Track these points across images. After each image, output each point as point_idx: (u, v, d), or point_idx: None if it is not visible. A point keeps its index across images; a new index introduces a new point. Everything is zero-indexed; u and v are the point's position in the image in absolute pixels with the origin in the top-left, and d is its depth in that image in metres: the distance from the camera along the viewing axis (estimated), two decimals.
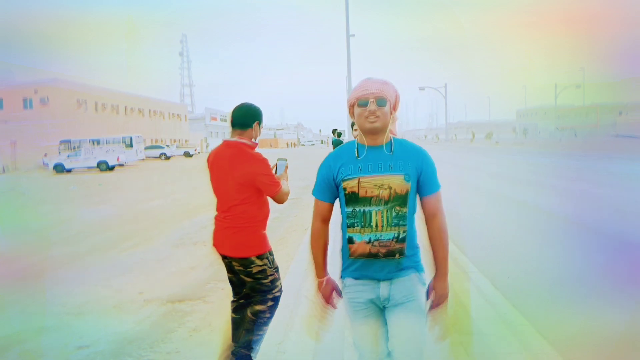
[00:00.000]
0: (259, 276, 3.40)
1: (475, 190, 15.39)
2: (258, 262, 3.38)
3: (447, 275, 2.46)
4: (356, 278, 2.44)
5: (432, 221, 2.43)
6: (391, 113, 2.40)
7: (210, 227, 3.66)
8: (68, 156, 39.08)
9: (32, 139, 48.72)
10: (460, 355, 3.84)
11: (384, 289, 2.40)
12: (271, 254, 3.51)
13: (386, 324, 2.46)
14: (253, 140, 3.49)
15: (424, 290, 2.45)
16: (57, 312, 5.42)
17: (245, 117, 3.44)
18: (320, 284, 2.56)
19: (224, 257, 3.49)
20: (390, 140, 2.41)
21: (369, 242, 2.32)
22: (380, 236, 2.32)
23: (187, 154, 60.27)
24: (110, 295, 5.94)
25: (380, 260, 2.35)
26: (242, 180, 3.31)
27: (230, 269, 3.53)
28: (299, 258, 6.76)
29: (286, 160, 3.70)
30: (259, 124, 3.51)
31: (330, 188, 2.46)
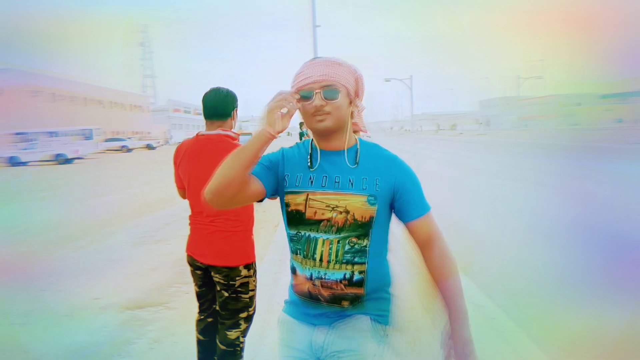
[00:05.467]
0: (240, 290, 2.92)
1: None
2: (244, 272, 2.91)
3: (466, 319, 1.67)
4: (293, 316, 1.86)
5: (427, 249, 1.75)
6: (351, 103, 1.78)
7: (174, 224, 3.17)
8: (24, 149, 37.70)
9: None
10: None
11: (318, 335, 1.80)
12: (255, 265, 3.05)
13: None
14: (233, 130, 3.02)
15: (372, 344, 1.76)
16: None
17: (225, 106, 2.95)
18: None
19: (199, 268, 3.00)
20: (355, 144, 1.81)
21: (310, 279, 1.75)
22: (324, 274, 1.73)
23: (149, 147, 58.97)
24: (61, 302, 5.40)
25: (320, 305, 1.78)
26: None
27: (204, 281, 3.04)
28: (270, 259, 6.30)
29: (251, 134, 3.15)
30: (237, 110, 3.04)
31: (273, 178, 1.82)
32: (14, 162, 36.16)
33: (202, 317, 3.12)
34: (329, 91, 1.70)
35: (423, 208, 1.76)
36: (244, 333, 2.99)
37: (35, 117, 50.45)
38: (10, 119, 48.04)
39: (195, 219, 3.00)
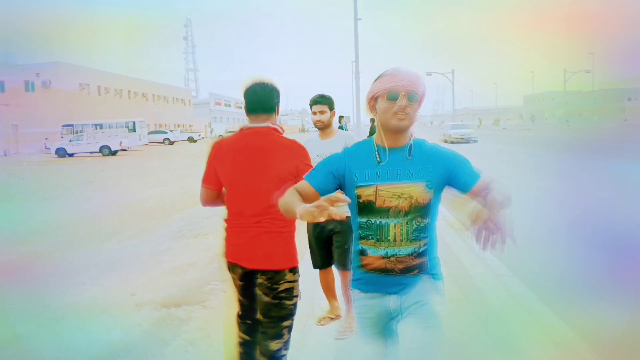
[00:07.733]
0: (284, 295, 2.66)
1: None
2: (289, 276, 2.66)
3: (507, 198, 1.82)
4: (365, 291, 2.20)
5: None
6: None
7: (213, 217, 2.94)
8: (70, 140, 38.64)
9: (34, 123, 48.19)
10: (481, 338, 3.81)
11: (393, 301, 2.15)
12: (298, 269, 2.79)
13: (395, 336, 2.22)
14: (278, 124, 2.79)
15: (438, 296, 2.15)
16: (37, 316, 4.84)
17: (271, 99, 2.72)
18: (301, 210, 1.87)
19: (241, 276, 2.72)
20: (410, 141, 2.11)
21: (385, 256, 2.08)
22: (398, 251, 2.07)
23: (191, 139, 59.72)
24: (99, 297, 5.31)
25: (394, 277, 2.10)
26: (284, 173, 2.60)
27: (246, 292, 2.76)
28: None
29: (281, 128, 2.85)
30: (279, 105, 2.81)
31: (328, 181, 2.12)
32: (60, 153, 37.07)
33: (245, 320, 2.85)
34: (412, 95, 2.02)
35: (476, 175, 2.04)
36: (286, 345, 2.73)
37: (82, 109, 51.68)
38: (57, 112, 49.36)
39: (236, 221, 2.72)
